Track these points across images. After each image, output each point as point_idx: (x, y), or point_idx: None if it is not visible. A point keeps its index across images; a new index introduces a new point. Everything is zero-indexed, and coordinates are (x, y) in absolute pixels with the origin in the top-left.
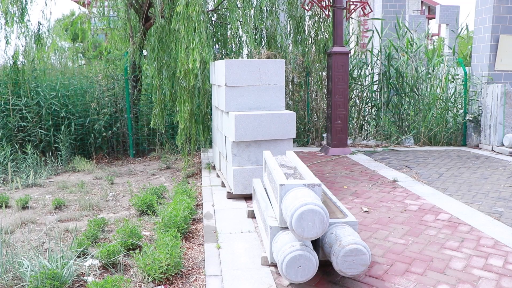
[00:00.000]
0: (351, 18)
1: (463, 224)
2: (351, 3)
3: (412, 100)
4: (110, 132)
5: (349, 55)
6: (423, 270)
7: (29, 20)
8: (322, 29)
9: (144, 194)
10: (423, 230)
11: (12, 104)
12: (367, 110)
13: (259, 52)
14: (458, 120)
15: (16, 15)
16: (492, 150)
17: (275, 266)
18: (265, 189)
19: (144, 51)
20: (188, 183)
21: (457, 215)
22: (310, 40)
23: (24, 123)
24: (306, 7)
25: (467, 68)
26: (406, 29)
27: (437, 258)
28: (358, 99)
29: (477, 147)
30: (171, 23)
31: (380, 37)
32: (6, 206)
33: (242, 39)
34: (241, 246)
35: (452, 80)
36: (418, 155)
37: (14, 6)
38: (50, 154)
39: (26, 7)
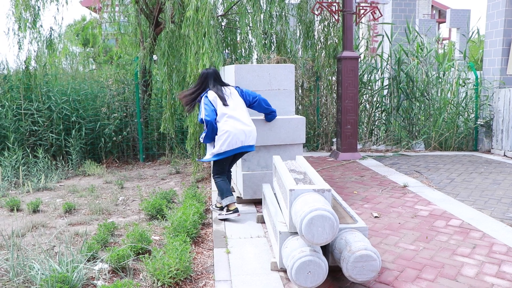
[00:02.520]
0: (361, 22)
1: (475, 230)
2: (361, 7)
3: (422, 105)
4: (120, 136)
5: (359, 60)
6: (434, 276)
7: (41, 26)
8: (332, 34)
9: (153, 198)
10: (434, 236)
11: (24, 109)
12: (377, 115)
13: (268, 57)
14: (469, 125)
15: (29, 20)
16: (505, 155)
17: (285, 271)
18: (274, 194)
19: (154, 56)
20: (198, 187)
21: (469, 221)
22: (320, 45)
23: (35, 127)
24: (316, 12)
25: (478, 72)
26: (416, 34)
27: (448, 264)
28: (368, 103)
29: (488, 152)
30: (181, 28)
31: (390, 42)
32: (17, 210)
33: (252, 44)
34: (250, 251)
35: (463, 84)
36: (429, 160)
37: (27, 12)
38: (61, 158)
39: (38, 13)
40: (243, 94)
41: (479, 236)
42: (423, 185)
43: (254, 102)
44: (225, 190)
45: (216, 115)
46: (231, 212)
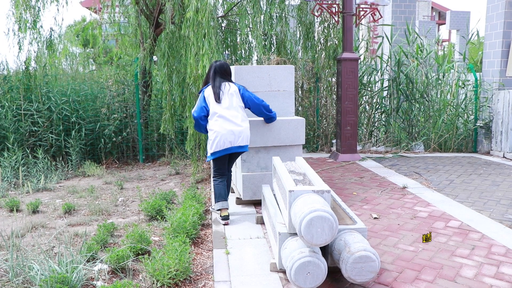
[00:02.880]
0: (361, 24)
1: (474, 232)
2: (361, 9)
3: (422, 106)
4: (120, 137)
5: (359, 61)
6: (433, 277)
7: (41, 26)
8: (332, 35)
9: (153, 199)
10: (433, 237)
11: (24, 109)
12: (377, 116)
13: (268, 58)
14: (469, 127)
15: (29, 21)
16: (504, 157)
17: (284, 272)
18: (274, 195)
19: (154, 57)
20: (197, 188)
21: (468, 222)
22: (320, 46)
23: (35, 128)
24: (316, 13)
25: (477, 74)
26: (416, 35)
27: (447, 265)
28: (368, 105)
29: (488, 153)
30: (181, 29)
31: (390, 43)
32: (17, 210)
33: (252, 45)
34: (250, 252)
35: (463, 86)
36: (428, 161)
37: (28, 12)
38: (61, 158)
39: (39, 14)
40: (244, 95)
41: (478, 237)
42: (422, 187)
43: (254, 108)
44: (217, 195)
45: (207, 112)
46: (221, 218)
